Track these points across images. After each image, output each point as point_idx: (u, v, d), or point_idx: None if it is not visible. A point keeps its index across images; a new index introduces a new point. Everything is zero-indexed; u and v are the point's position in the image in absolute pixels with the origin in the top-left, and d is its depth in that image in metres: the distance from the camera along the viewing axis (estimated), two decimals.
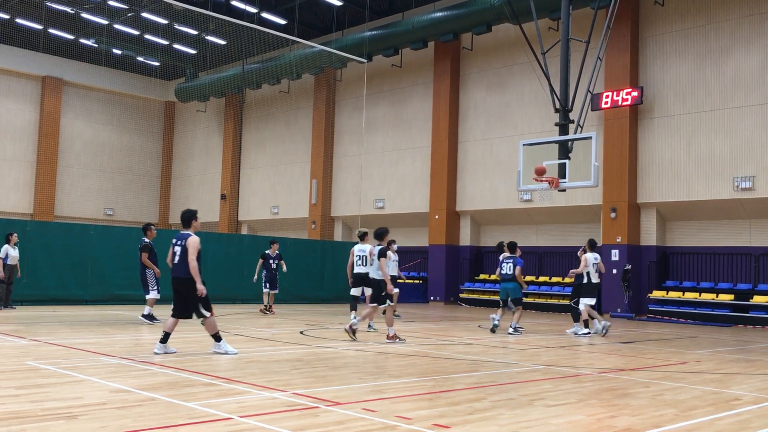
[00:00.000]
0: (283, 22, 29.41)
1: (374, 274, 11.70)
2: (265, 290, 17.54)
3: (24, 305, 16.98)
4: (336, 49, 27.03)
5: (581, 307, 14.13)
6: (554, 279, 24.53)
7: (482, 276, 26.66)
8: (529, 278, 25.06)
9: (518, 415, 5.87)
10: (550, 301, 23.66)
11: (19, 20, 29.80)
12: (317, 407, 5.88)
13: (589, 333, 14.07)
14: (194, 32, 31.25)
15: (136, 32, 31.29)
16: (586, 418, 5.98)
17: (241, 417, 5.38)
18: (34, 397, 5.91)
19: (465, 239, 27.07)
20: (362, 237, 13.36)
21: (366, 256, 13.09)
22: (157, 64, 35.40)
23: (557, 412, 6.10)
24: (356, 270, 13.27)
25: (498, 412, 5.96)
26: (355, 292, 13.68)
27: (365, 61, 27.02)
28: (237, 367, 8.12)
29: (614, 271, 22.03)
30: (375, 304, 11.74)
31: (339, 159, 31.51)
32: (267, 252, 17.82)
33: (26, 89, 34.72)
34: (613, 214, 22.15)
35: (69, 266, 18.08)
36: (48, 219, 32.72)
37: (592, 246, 14.54)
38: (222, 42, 31.92)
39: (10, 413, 5.26)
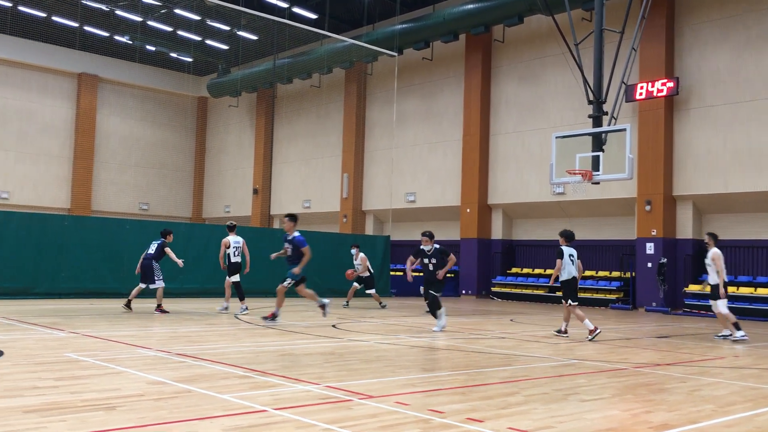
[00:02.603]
0: (314, 16, 29.48)
1: (566, 275, 11.87)
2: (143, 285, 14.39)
3: (63, 298, 17.34)
4: (367, 42, 27.02)
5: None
6: (587, 272, 24.25)
7: (514, 270, 26.50)
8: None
9: (552, 410, 5.83)
10: (583, 294, 23.38)
11: (55, 18, 30.35)
12: (350, 400, 5.90)
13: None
14: (226, 28, 31.52)
15: (169, 29, 31.66)
16: (621, 414, 5.91)
17: (275, 409, 5.43)
18: (74, 389, 6.03)
19: (497, 233, 26.93)
20: (232, 228, 15.35)
21: (240, 247, 15.01)
22: (190, 60, 35.78)
23: (592, 407, 6.04)
24: (233, 260, 14.93)
25: (532, 407, 5.92)
26: (237, 278, 15.03)
27: (396, 54, 26.96)
28: (270, 360, 8.19)
29: (649, 264, 21.73)
30: (571, 302, 11.84)
31: (370, 153, 31.54)
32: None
33: (63, 86, 35.37)
34: (648, 207, 21.83)
35: (106, 260, 18.39)
36: (85, 213, 33.35)
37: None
38: (253, 37, 32.13)
39: (50, 404, 5.38)
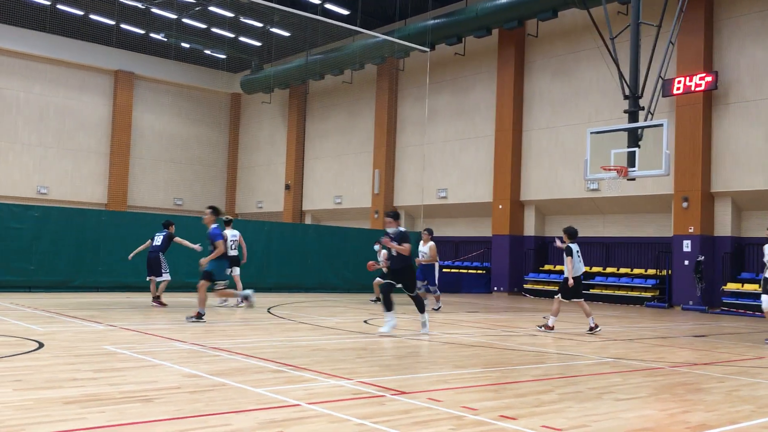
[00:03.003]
0: (346, 12, 29.53)
1: (576, 272, 12.10)
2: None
3: (100, 291, 17.67)
4: (398, 38, 26.97)
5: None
6: (622, 270, 23.97)
7: (547, 266, 26.28)
8: (596, 269, 24.59)
9: (587, 409, 5.77)
10: (617, 292, 23.14)
11: (92, 16, 30.85)
12: (383, 396, 5.91)
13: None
14: (259, 24, 31.71)
15: (203, 26, 31.98)
16: (657, 413, 5.82)
17: (308, 404, 5.46)
18: (112, 381, 6.14)
19: (529, 229, 26.72)
20: (228, 222, 15.60)
21: (237, 241, 15.27)
22: (223, 56, 36.10)
23: (627, 406, 5.96)
24: (230, 253, 14.84)
25: (566, 405, 5.87)
26: (236, 271, 15.49)
27: (428, 50, 26.86)
28: (303, 354, 8.24)
29: (686, 262, 21.37)
30: (561, 298, 12.23)
31: (401, 149, 31.52)
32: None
33: (99, 83, 35.96)
34: (685, 204, 21.46)
35: (142, 254, 18.64)
36: (121, 209, 33.90)
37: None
38: (286, 34, 32.28)
39: (90, 395, 5.49)
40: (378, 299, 18.52)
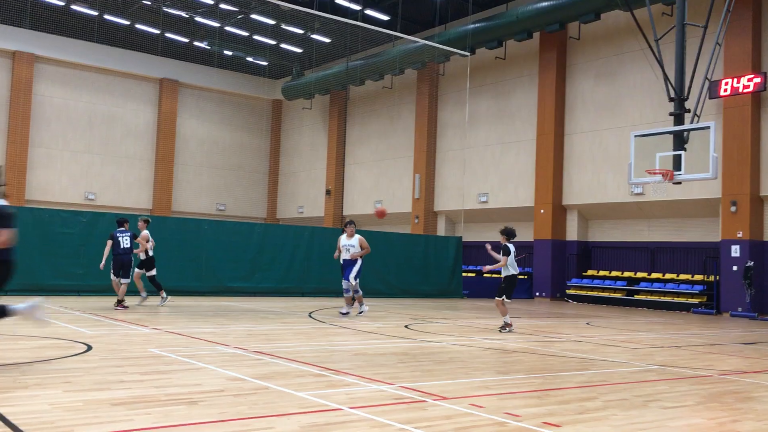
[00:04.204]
0: (386, 18, 29.62)
1: (513, 271, 12.49)
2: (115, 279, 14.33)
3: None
4: (439, 43, 26.95)
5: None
6: (668, 275, 23.48)
7: (590, 272, 25.91)
8: (641, 274, 24.15)
9: (632, 417, 5.66)
10: (663, 298, 22.68)
11: (138, 26, 31.57)
12: (424, 401, 5.90)
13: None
14: (300, 31, 32.03)
15: (245, 33, 32.44)
16: (706, 422, 5.68)
17: (350, 408, 5.48)
18: (158, 383, 6.25)
19: (572, 234, 26.38)
20: (146, 221, 15.19)
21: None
22: (265, 63, 36.55)
23: (674, 415, 5.83)
24: (150, 254, 15.00)
25: (610, 413, 5.77)
26: (154, 272, 15.20)
27: (468, 54, 26.79)
28: (344, 359, 8.27)
29: (735, 267, 20.84)
30: (506, 300, 12.50)
31: (442, 153, 31.45)
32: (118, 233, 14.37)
33: (145, 91, 36.74)
34: (733, 208, 20.94)
35: (185, 259, 19.00)
36: (166, 214, 34.53)
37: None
38: (327, 40, 32.54)
39: (136, 397, 5.60)
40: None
